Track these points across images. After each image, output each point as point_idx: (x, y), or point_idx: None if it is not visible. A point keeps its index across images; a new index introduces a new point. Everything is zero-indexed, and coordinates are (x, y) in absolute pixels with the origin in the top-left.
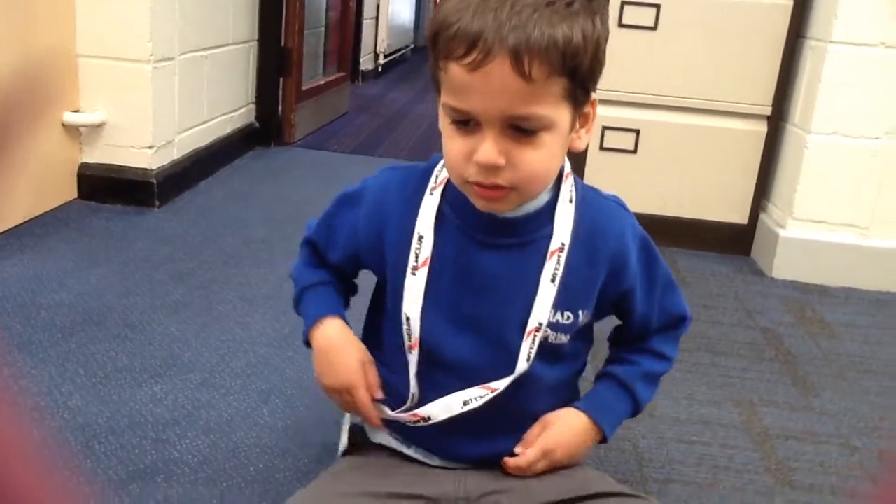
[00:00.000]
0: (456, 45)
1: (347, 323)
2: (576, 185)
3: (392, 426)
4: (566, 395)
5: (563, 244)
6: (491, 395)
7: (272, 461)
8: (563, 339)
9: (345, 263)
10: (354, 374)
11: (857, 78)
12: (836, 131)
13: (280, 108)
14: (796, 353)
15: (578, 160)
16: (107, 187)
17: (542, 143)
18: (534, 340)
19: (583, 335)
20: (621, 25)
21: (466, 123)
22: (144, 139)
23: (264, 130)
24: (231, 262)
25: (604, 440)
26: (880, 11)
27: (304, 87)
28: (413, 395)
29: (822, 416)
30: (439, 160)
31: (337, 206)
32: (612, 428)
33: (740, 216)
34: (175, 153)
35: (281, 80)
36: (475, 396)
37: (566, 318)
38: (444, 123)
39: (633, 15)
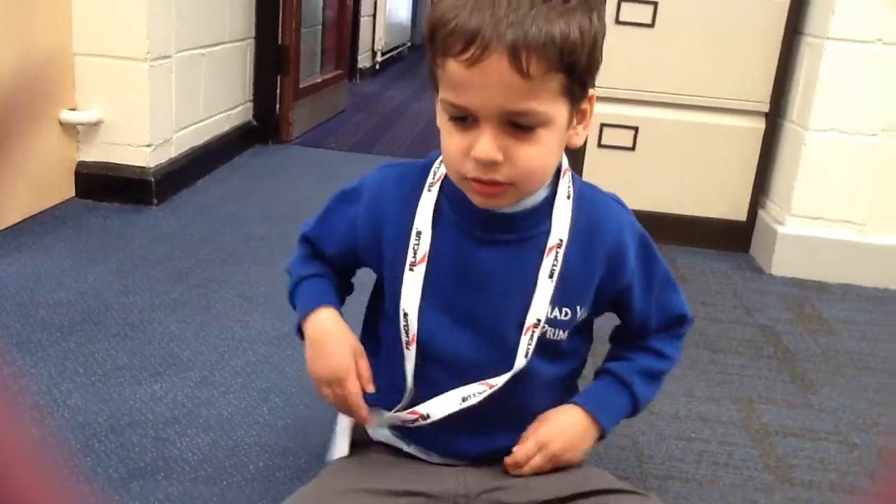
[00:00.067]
0: (454, 42)
1: (341, 314)
2: (573, 182)
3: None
4: (565, 393)
5: (560, 240)
6: (489, 392)
7: (272, 459)
8: (562, 335)
9: (342, 259)
10: (345, 363)
11: (854, 74)
12: (834, 128)
13: (277, 105)
14: (795, 349)
15: (576, 157)
16: (104, 185)
17: (539, 139)
18: (532, 337)
19: (582, 332)
20: (618, 22)
21: (464, 120)
22: (142, 137)
23: (262, 128)
24: (230, 260)
25: (602, 437)
26: (877, 8)
27: (301, 85)
28: (409, 391)
29: (821, 412)
30: (437, 157)
31: (335, 203)
32: (610, 423)
33: (738, 213)
34: (173, 151)
35: (278, 77)
36: (474, 393)
37: (564, 314)
38: (441, 120)
39: (630, 12)
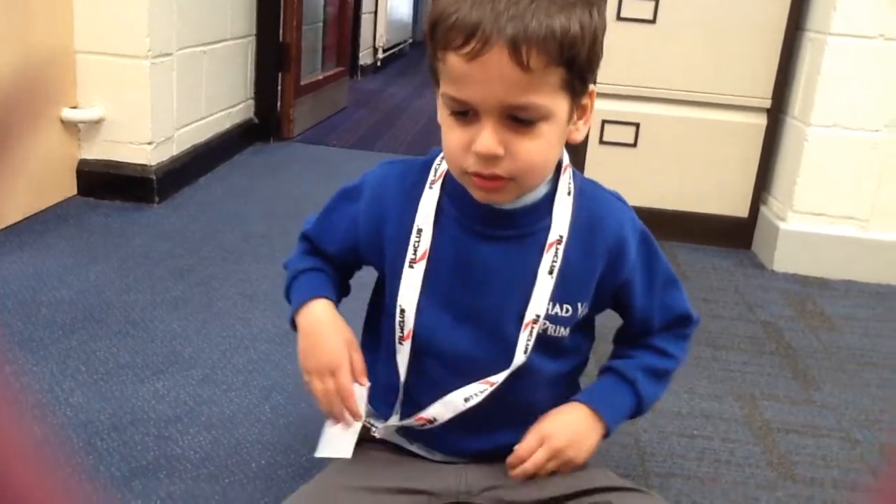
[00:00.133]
0: (454, 36)
1: (337, 308)
2: (574, 178)
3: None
4: (567, 390)
5: (561, 236)
6: (490, 390)
7: (274, 457)
8: (563, 332)
9: (342, 257)
10: (338, 355)
11: (856, 70)
12: (836, 124)
13: (279, 103)
14: (797, 346)
15: (578, 154)
16: (106, 183)
17: (540, 133)
18: (531, 333)
19: (584, 330)
20: (620, 19)
21: (465, 114)
22: (143, 135)
23: (263, 126)
24: (231, 258)
25: (607, 434)
26: (879, 3)
27: (302, 82)
28: (402, 386)
29: (823, 409)
30: (438, 154)
31: (336, 202)
32: (614, 419)
33: (740, 209)
34: (174, 149)
35: (279, 75)
36: (476, 392)
37: (565, 310)
38: (442, 115)
39: (631, 8)
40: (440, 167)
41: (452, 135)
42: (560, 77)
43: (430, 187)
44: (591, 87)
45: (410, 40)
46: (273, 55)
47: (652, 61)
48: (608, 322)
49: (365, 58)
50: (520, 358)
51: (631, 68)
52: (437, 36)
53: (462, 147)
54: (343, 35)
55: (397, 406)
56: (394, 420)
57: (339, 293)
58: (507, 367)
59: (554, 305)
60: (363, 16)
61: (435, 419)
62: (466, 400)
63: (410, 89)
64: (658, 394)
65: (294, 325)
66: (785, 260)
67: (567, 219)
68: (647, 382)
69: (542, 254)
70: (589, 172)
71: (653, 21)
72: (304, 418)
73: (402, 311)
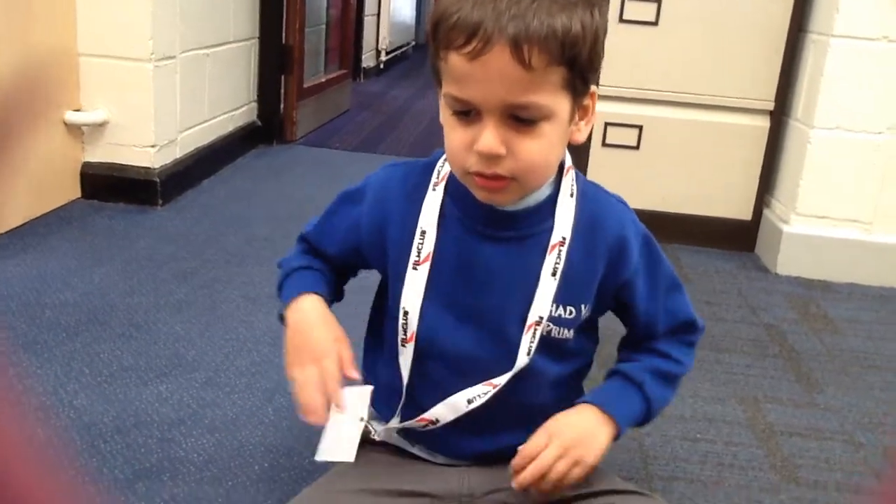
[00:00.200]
0: (456, 35)
1: (329, 305)
2: (577, 180)
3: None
4: (570, 392)
5: (563, 238)
6: (493, 392)
7: (277, 460)
8: (568, 333)
9: (341, 258)
10: (325, 344)
11: (859, 72)
12: (839, 126)
13: (282, 105)
14: (800, 349)
15: (581, 156)
16: (109, 186)
17: (541, 132)
18: (534, 334)
19: (588, 332)
20: (622, 21)
21: (467, 114)
22: (147, 138)
23: (266, 128)
24: (234, 260)
25: (618, 435)
26: (882, 5)
27: (305, 85)
28: (404, 389)
29: (827, 412)
30: (441, 155)
31: (337, 205)
32: (624, 418)
33: (744, 212)
34: (177, 152)
35: (282, 77)
36: (479, 394)
37: (568, 312)
38: (444, 115)
39: (633, 10)
40: (443, 169)
41: (454, 134)
42: (561, 76)
43: (434, 189)
44: (593, 87)
45: (413, 43)
46: (276, 58)
47: (654, 63)
48: (612, 325)
49: (368, 60)
50: (522, 360)
51: (633, 70)
52: (439, 36)
53: (464, 147)
54: (346, 37)
55: (399, 408)
56: (395, 422)
57: (333, 294)
58: (510, 368)
59: (557, 307)
60: (366, 18)
61: (437, 420)
62: (469, 402)
63: (413, 91)
64: (667, 398)
65: (283, 321)
66: (788, 263)
67: (570, 220)
68: (655, 385)
69: (544, 255)
70: (592, 175)
71: (655, 23)
72: (306, 421)
73: (406, 313)
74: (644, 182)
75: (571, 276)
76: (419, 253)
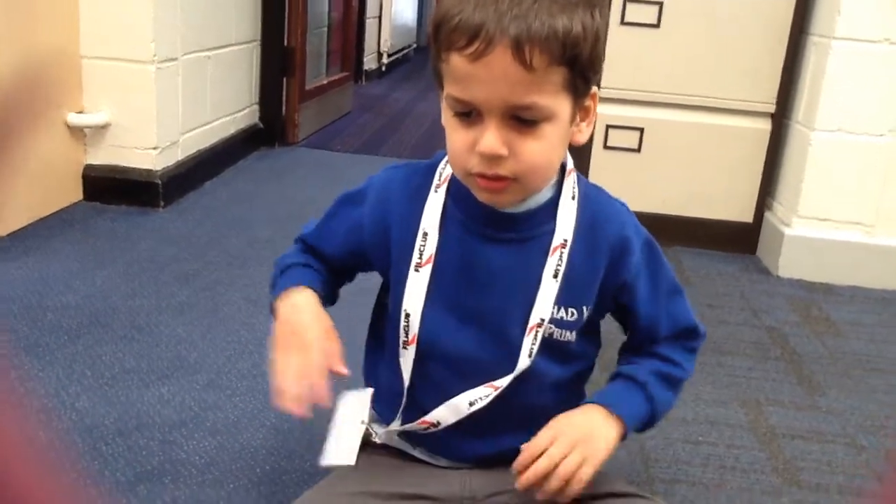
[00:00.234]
0: (458, 37)
1: (323, 304)
2: (578, 183)
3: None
4: (571, 395)
5: (565, 240)
6: (495, 394)
7: (279, 463)
8: (570, 336)
9: (340, 260)
10: (313, 335)
11: (860, 74)
12: (841, 128)
13: (283, 108)
14: (802, 352)
15: (582, 159)
16: (111, 188)
17: (543, 133)
18: (535, 336)
19: (589, 335)
20: (624, 23)
21: (469, 115)
22: (149, 140)
23: (268, 131)
24: (236, 262)
25: (625, 435)
26: (883, 7)
27: (307, 87)
28: (406, 391)
29: (829, 415)
30: (443, 157)
31: (337, 207)
32: (630, 416)
33: (745, 214)
34: (179, 154)
35: (284, 80)
36: (480, 396)
37: (570, 314)
38: (446, 117)
39: (635, 13)
40: (445, 171)
41: (456, 136)
42: (563, 77)
43: (436, 191)
44: (594, 88)
45: (415, 45)
46: (278, 60)
47: (656, 66)
48: (614, 329)
49: (369, 62)
50: (524, 362)
51: (635, 73)
52: (441, 37)
53: (466, 148)
54: (347, 40)
55: (401, 411)
56: (396, 425)
57: (328, 294)
58: (512, 370)
59: (559, 309)
60: (367, 20)
61: (438, 423)
62: (471, 404)
63: (415, 94)
64: (669, 401)
65: (274, 313)
66: (790, 265)
67: (571, 223)
68: (658, 386)
69: (546, 258)
70: (593, 177)
71: (657, 26)
72: (308, 424)
73: (407, 315)
74: (645, 184)
75: (573, 278)
76: (421, 255)
